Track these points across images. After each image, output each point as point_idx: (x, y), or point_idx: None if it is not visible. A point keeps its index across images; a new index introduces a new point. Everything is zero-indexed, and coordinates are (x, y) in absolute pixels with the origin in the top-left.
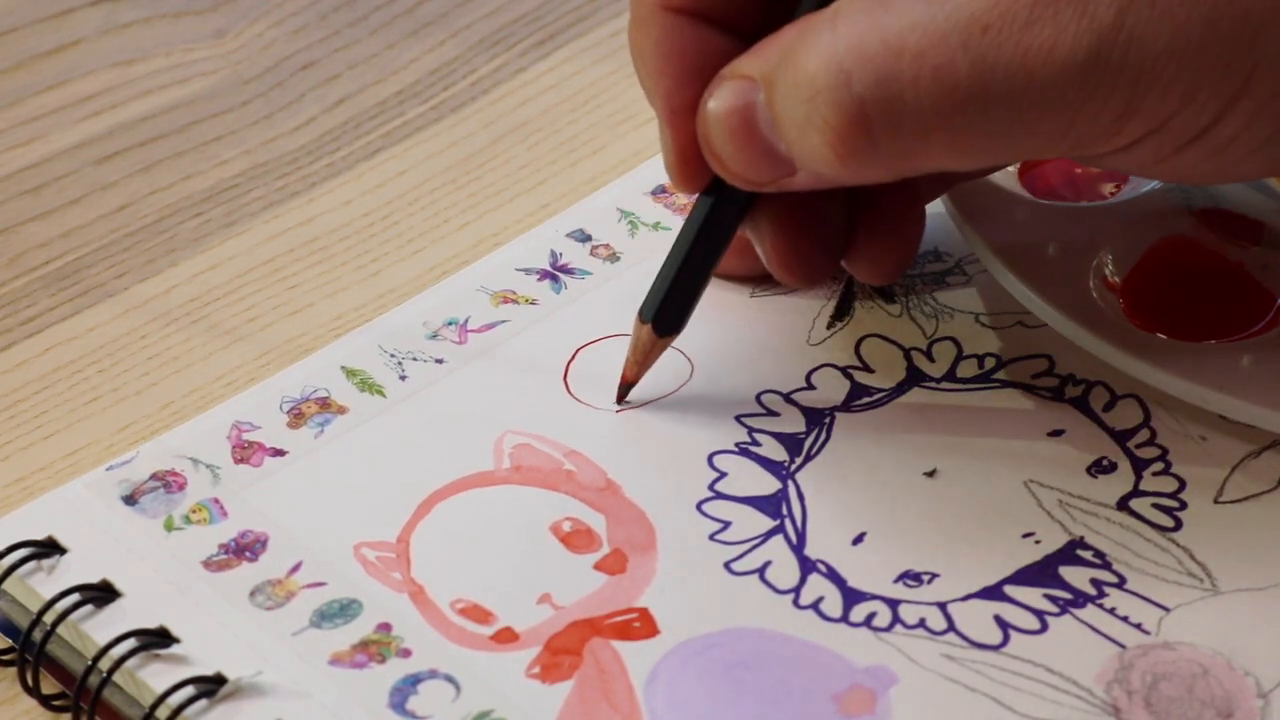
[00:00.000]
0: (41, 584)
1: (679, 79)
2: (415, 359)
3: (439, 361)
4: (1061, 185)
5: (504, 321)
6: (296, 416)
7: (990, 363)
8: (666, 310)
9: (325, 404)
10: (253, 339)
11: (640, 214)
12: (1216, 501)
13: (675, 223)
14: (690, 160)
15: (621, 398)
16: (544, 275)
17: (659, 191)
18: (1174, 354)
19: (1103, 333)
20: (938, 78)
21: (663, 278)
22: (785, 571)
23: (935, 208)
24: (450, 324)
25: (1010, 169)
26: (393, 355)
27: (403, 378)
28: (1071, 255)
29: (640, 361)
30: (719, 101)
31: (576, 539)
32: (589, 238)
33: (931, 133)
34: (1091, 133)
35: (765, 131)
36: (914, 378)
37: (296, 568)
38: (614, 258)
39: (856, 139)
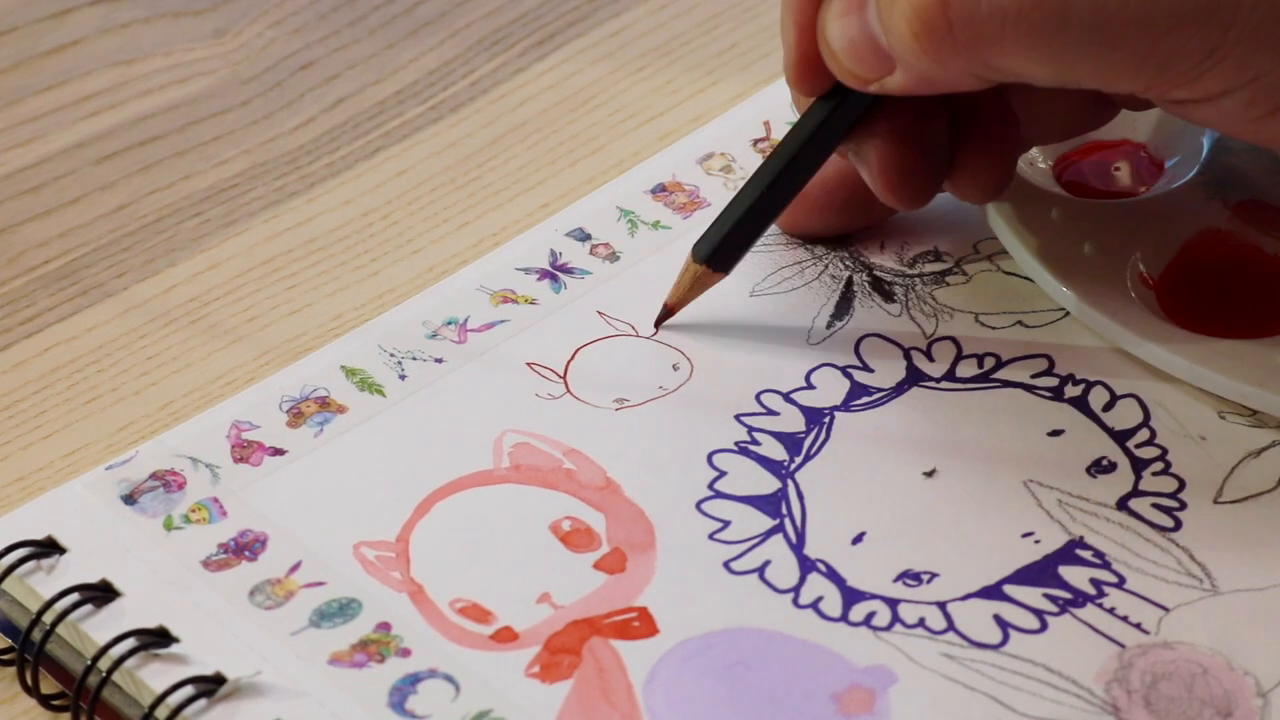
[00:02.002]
0: (41, 584)
1: None
2: (415, 358)
3: (438, 361)
4: (1094, 177)
5: (504, 321)
6: (296, 416)
7: (990, 363)
8: (725, 247)
9: (325, 403)
10: (252, 339)
11: (640, 213)
12: (1216, 502)
13: (675, 221)
14: (808, 62)
15: (659, 322)
16: (544, 275)
17: (658, 190)
18: (1214, 351)
19: (1143, 332)
20: None
21: (734, 209)
22: (785, 571)
23: (942, 203)
24: (450, 323)
25: (1043, 163)
26: (392, 355)
27: (402, 377)
28: (1108, 254)
29: (684, 292)
30: None
31: (576, 538)
32: (588, 237)
33: (1007, 26)
34: (1173, 67)
35: (871, 22)
36: (914, 377)
37: (296, 567)
38: (613, 257)
39: (933, 19)
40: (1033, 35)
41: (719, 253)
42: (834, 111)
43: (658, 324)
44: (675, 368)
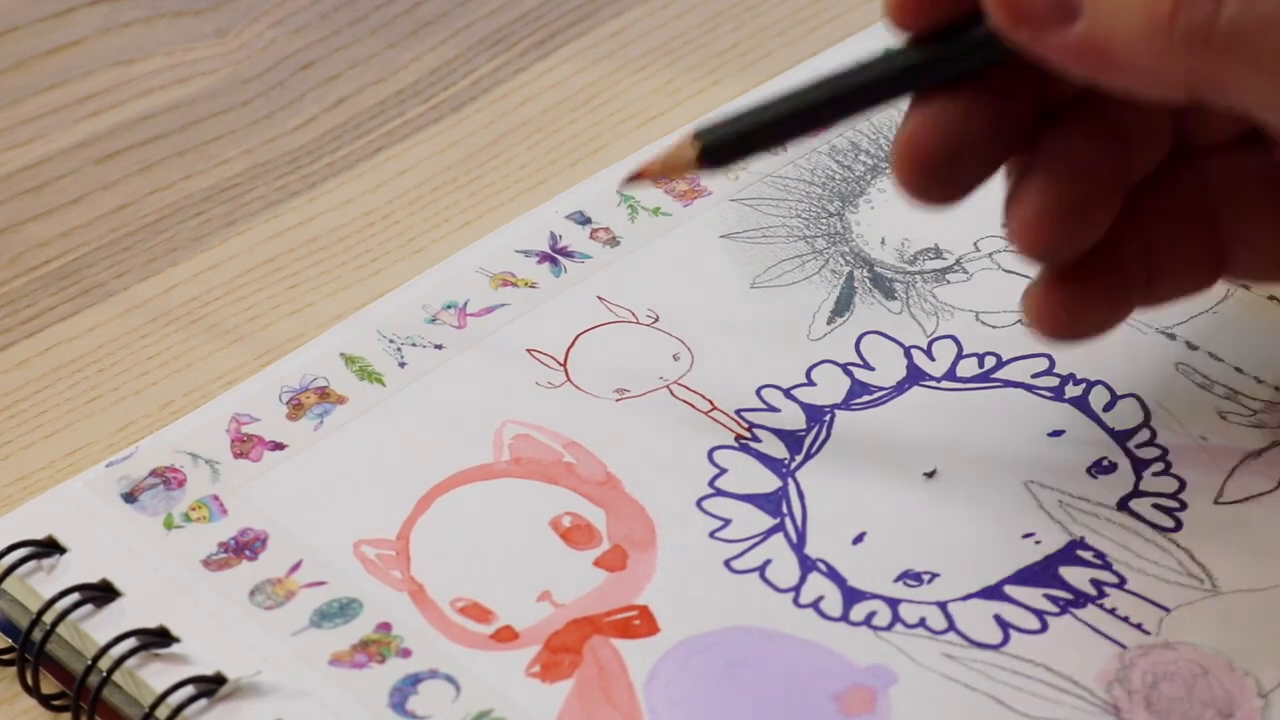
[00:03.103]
0: (41, 583)
1: None
2: (414, 344)
3: (438, 347)
4: None
5: (503, 305)
6: (296, 407)
7: (990, 362)
8: (730, 144)
9: (324, 394)
10: (253, 338)
11: (641, 198)
12: (1217, 502)
13: (676, 209)
14: None
15: (626, 181)
16: (543, 258)
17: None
18: None
19: None
20: None
21: (758, 112)
22: (785, 570)
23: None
24: (449, 307)
25: None
26: (391, 341)
27: (402, 364)
28: None
29: (668, 167)
30: None
31: (576, 534)
32: (589, 220)
33: (1240, 45)
34: None
35: None
36: (914, 376)
37: (296, 566)
38: (614, 242)
39: (1198, 2)
40: (1270, 57)
41: (722, 151)
42: (933, 60)
43: (629, 181)
44: (675, 358)
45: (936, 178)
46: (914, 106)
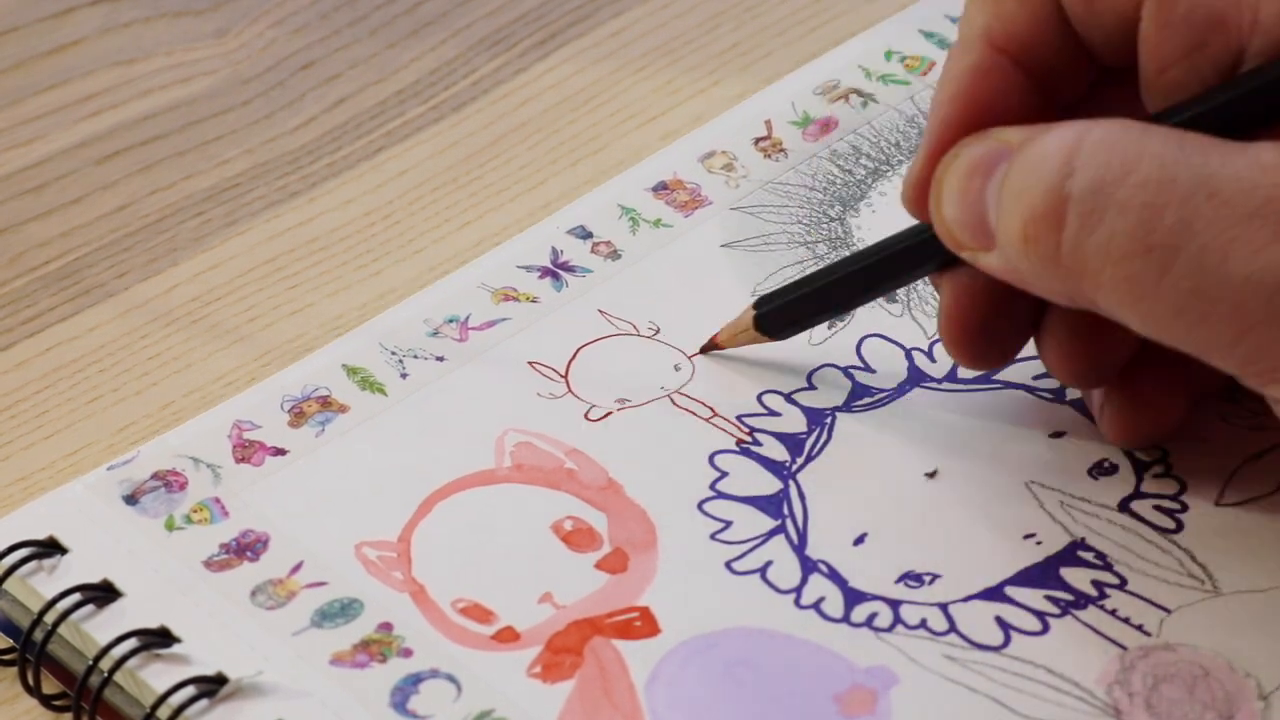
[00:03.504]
0: (42, 584)
1: (964, 111)
2: (416, 356)
3: (440, 359)
4: None
5: (505, 319)
6: (297, 415)
7: None
8: (784, 315)
9: (326, 402)
10: (253, 339)
11: (641, 211)
12: (1217, 504)
13: (677, 220)
14: (925, 185)
15: (703, 350)
16: (545, 273)
17: (660, 188)
18: None
19: None
20: (1142, 216)
21: (807, 282)
22: (786, 571)
23: None
24: (451, 321)
25: None
26: (394, 353)
27: (404, 376)
28: None
29: (734, 337)
30: (969, 145)
31: (578, 538)
32: (590, 234)
33: (1107, 267)
34: (1259, 360)
35: (989, 195)
36: (915, 378)
37: (297, 567)
38: (615, 255)
39: (1044, 232)
40: (1130, 282)
41: (774, 318)
42: (914, 248)
43: (702, 351)
44: (676, 368)
45: (982, 346)
46: (945, 283)
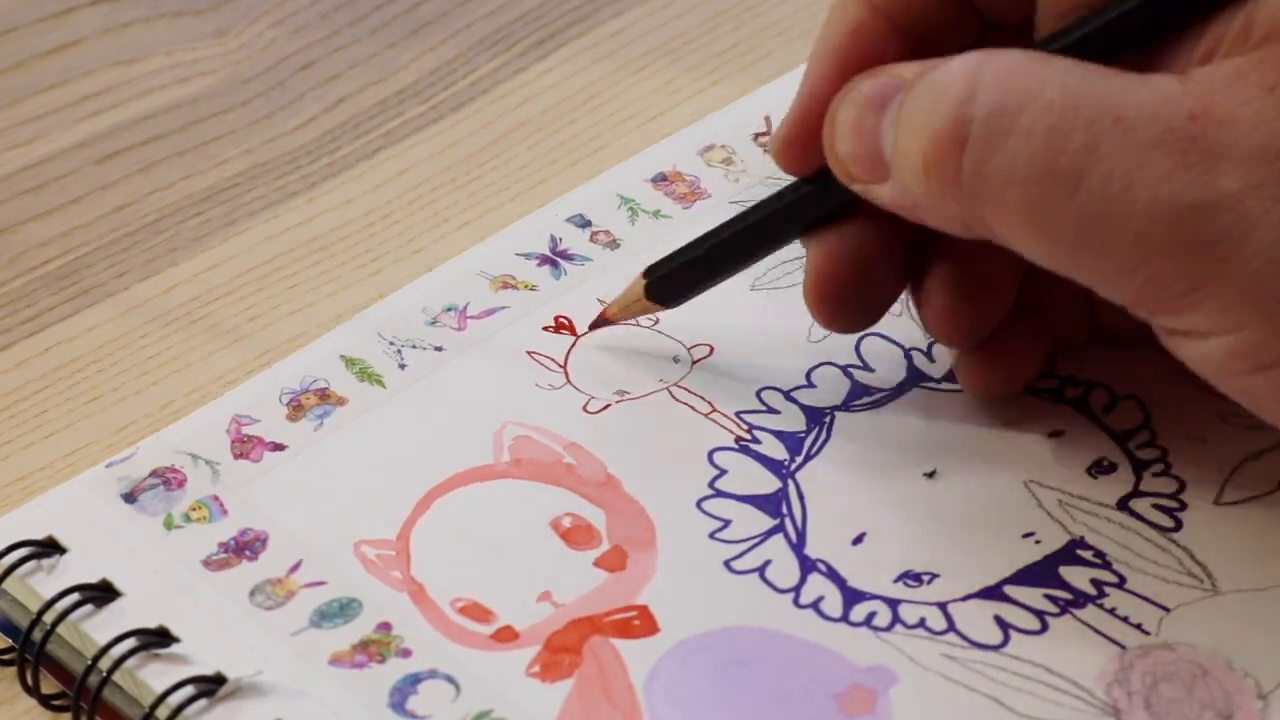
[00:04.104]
0: (41, 584)
1: (840, 69)
2: (414, 346)
3: (438, 349)
4: None
5: (504, 308)
6: (296, 409)
7: None
8: (674, 282)
9: (325, 395)
10: (253, 338)
11: (641, 201)
12: (1216, 502)
13: (676, 211)
14: (798, 141)
15: (594, 326)
16: (544, 260)
17: (659, 179)
18: None
19: None
20: (1048, 140)
21: (691, 247)
22: (785, 570)
23: None
24: (449, 310)
25: None
26: (392, 343)
27: (402, 366)
28: None
29: (624, 308)
30: (864, 80)
31: (576, 535)
32: (589, 223)
33: (1010, 190)
34: (1157, 290)
35: (884, 127)
36: (914, 378)
37: (296, 566)
38: (614, 244)
39: (944, 155)
40: (1033, 206)
41: (665, 286)
42: (814, 194)
43: (592, 327)
44: (675, 360)
45: (849, 307)
46: (814, 243)
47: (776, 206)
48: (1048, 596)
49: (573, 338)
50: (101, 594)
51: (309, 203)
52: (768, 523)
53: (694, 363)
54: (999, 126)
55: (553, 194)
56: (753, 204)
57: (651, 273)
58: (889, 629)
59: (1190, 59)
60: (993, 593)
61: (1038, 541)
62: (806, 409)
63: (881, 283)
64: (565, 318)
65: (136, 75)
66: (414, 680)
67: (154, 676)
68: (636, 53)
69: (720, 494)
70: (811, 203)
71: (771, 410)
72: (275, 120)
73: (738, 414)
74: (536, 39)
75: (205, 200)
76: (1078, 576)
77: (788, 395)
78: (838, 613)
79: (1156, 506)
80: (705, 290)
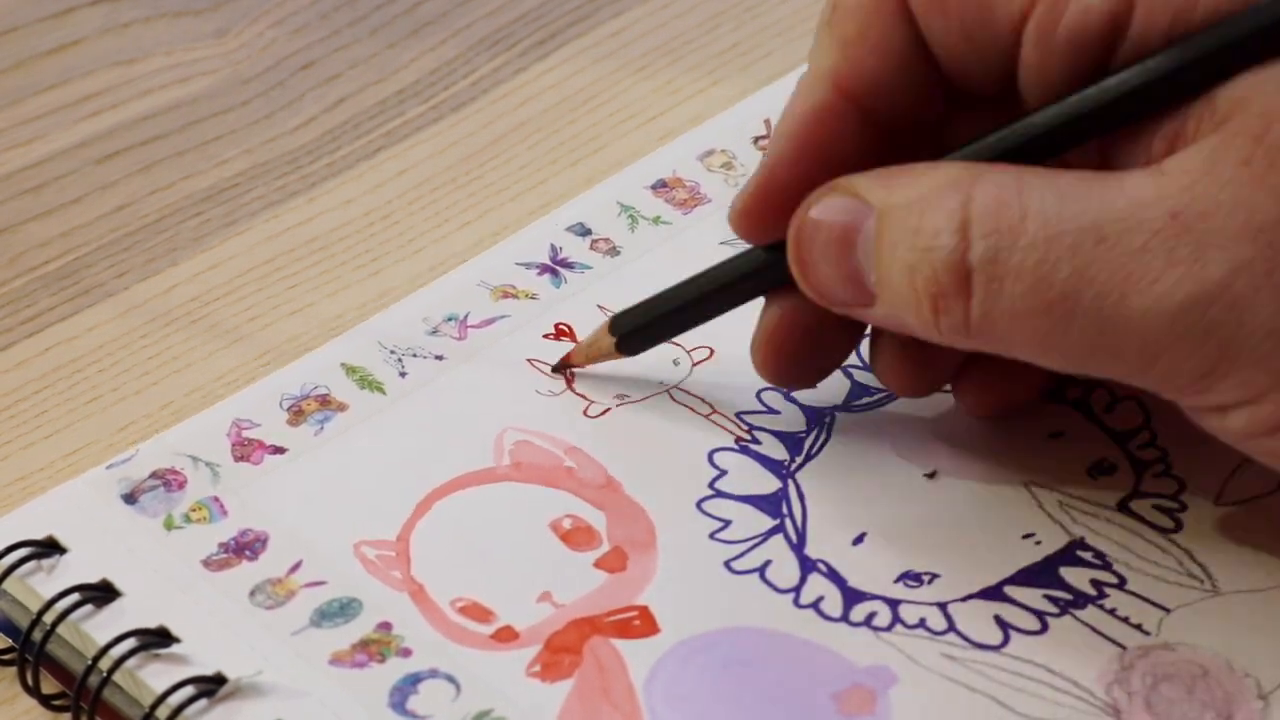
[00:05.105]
0: (41, 584)
1: (801, 151)
2: (415, 355)
3: (439, 358)
4: None
5: (504, 317)
6: (296, 414)
7: None
8: (639, 335)
9: (325, 401)
10: (253, 339)
11: (641, 208)
12: (1217, 503)
13: (676, 217)
14: (754, 214)
15: (556, 369)
16: (544, 270)
17: (659, 186)
18: None
19: None
20: (1037, 276)
21: (656, 303)
22: (785, 571)
23: None
24: (450, 319)
25: None
26: (392, 352)
27: (402, 374)
28: None
29: (590, 356)
30: (826, 212)
31: (576, 536)
32: (589, 231)
33: (1018, 323)
34: (1174, 380)
35: (860, 257)
36: None
37: (296, 567)
38: (614, 252)
39: (955, 304)
40: (1039, 337)
41: (633, 338)
42: (777, 261)
43: (555, 370)
44: (676, 363)
45: (795, 368)
46: (767, 304)
47: (744, 270)
48: (1048, 597)
49: (574, 344)
50: (101, 594)
51: (309, 203)
52: (768, 523)
53: (694, 365)
54: (994, 274)
55: (553, 194)
56: (719, 262)
57: (617, 326)
58: (889, 629)
59: (1155, 135)
60: (993, 593)
61: (1038, 542)
62: (807, 409)
63: (830, 347)
64: (566, 325)
65: (136, 75)
66: (414, 680)
67: (154, 676)
68: (636, 53)
69: (720, 494)
70: (774, 271)
71: (771, 410)
72: (275, 120)
73: (738, 415)
74: (536, 39)
75: (205, 200)
76: (1078, 577)
77: (788, 395)
78: (838, 613)
79: (1157, 507)
80: (665, 342)
